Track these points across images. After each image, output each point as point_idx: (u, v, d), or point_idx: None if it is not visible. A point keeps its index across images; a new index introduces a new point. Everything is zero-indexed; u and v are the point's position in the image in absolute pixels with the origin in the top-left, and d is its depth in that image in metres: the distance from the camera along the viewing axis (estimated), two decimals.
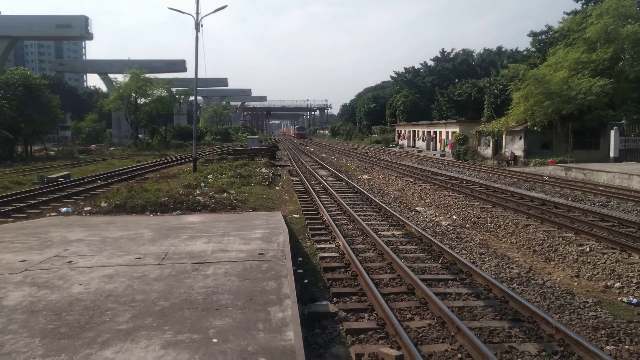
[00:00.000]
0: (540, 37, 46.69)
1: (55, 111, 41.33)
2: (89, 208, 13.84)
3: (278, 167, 30.04)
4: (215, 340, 4.52)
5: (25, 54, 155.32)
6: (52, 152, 42.60)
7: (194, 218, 11.96)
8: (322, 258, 9.42)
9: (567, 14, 43.35)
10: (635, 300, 7.66)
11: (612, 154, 29.66)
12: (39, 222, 11.77)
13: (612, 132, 29.73)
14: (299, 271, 8.25)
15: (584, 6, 42.16)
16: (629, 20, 32.82)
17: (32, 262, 7.28)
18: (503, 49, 72.37)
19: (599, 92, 29.59)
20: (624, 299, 7.77)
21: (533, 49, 47.56)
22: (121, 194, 14.95)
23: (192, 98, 63.28)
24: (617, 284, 8.35)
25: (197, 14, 24.82)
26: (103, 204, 13.93)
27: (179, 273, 6.69)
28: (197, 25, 24.92)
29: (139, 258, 7.51)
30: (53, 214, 13.91)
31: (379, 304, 6.60)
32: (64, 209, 14.13)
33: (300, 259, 9.29)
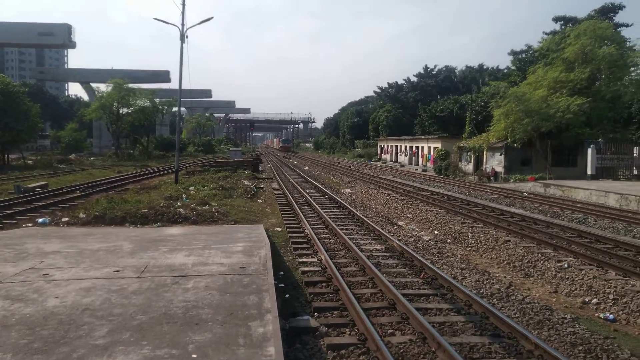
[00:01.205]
0: (520, 55, 47.77)
1: (35, 119, 40.66)
2: (66, 219, 13.58)
3: (261, 180, 29.95)
4: (194, 355, 4.45)
5: (5, 61, 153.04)
6: (30, 162, 41.80)
7: (174, 230, 11.81)
8: (303, 272, 9.38)
9: (547, 34, 44.58)
10: (611, 317, 7.78)
11: (589, 172, 30.32)
12: (14, 232, 11.49)
13: (589, 150, 30.43)
14: (280, 285, 8.20)
15: (563, 27, 43.36)
16: (605, 41, 33.80)
17: (6, 274, 7.09)
18: (484, 67, 73.87)
19: (576, 110, 30.32)
20: (601, 315, 7.88)
21: (513, 68, 48.61)
22: (100, 205, 14.70)
23: (175, 109, 63.02)
24: (594, 300, 8.48)
25: (182, 25, 24.82)
26: (81, 215, 13.68)
27: (158, 286, 6.59)
28: (182, 37, 24.89)
29: (117, 271, 7.38)
30: (29, 224, 13.61)
31: (360, 319, 6.59)
32: (40, 220, 13.84)
33: (282, 272, 9.23)
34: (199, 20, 26.69)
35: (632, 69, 34.00)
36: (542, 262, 10.61)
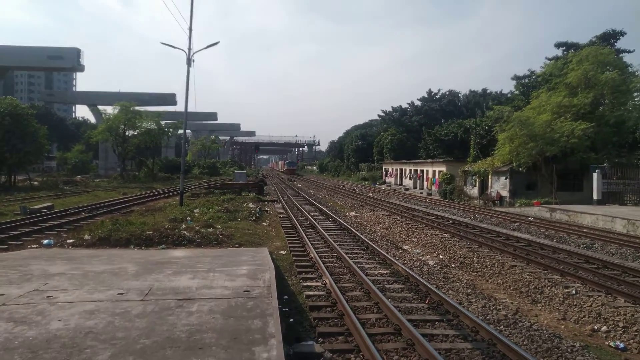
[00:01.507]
0: (523, 80, 48.18)
1: (42, 141, 41.07)
2: (71, 240, 13.60)
3: (265, 203, 29.96)
4: None
5: (15, 84, 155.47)
6: (36, 183, 42.05)
7: (179, 253, 11.79)
8: (308, 296, 9.30)
9: (549, 59, 45.01)
10: (622, 345, 7.63)
11: (595, 197, 30.14)
12: (19, 254, 11.50)
13: (595, 175, 30.31)
14: (284, 309, 8.13)
15: (565, 52, 43.80)
16: (608, 67, 34.07)
17: (10, 296, 7.07)
18: (488, 91, 74.45)
19: (581, 135, 30.35)
20: (611, 344, 7.74)
21: (517, 92, 48.98)
22: (105, 227, 14.74)
23: (181, 131, 63.51)
24: (604, 328, 8.33)
25: (189, 49, 25.21)
26: (86, 237, 13.71)
27: (162, 310, 6.54)
28: (189, 61, 25.25)
29: (121, 293, 7.34)
30: (34, 245, 13.62)
31: (365, 344, 6.50)
32: (45, 241, 13.86)
33: (286, 296, 9.16)
34: (205, 45, 27.06)
35: (635, 94, 34.19)
36: (549, 288, 10.48)
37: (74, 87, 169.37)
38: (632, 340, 7.76)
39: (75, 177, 51.07)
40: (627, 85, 33.25)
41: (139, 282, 8.16)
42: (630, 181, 31.27)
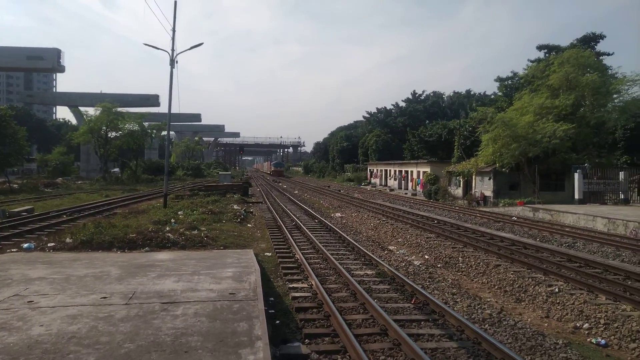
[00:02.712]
0: (506, 82, 48.73)
1: (21, 143, 40.32)
2: (52, 244, 13.36)
3: (250, 204, 29.83)
4: None
5: None
6: (15, 185, 41.19)
7: (163, 255, 11.66)
8: (294, 298, 9.28)
9: (532, 61, 45.58)
10: (603, 342, 7.76)
11: (576, 196, 30.65)
12: None
13: (576, 175, 30.82)
14: (270, 311, 8.09)
15: (547, 55, 44.42)
16: (588, 69, 34.61)
17: None
18: (472, 92, 75.23)
19: (562, 136, 30.78)
20: (593, 340, 7.86)
21: (500, 93, 49.50)
22: (87, 230, 14.49)
23: (164, 133, 62.92)
24: (586, 325, 8.46)
25: (173, 50, 24.99)
26: (68, 240, 13.47)
27: (146, 313, 6.46)
28: (172, 62, 25.03)
29: (104, 297, 7.23)
30: (14, 249, 13.35)
31: (351, 345, 6.50)
32: (26, 245, 13.59)
33: (272, 298, 9.12)
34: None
35: (614, 95, 34.76)
36: (532, 286, 10.61)
37: (54, 88, 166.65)
38: (612, 337, 7.89)
39: (56, 180, 50.11)
40: (607, 87, 33.80)
41: (122, 285, 8.05)
42: (610, 181, 31.86)
